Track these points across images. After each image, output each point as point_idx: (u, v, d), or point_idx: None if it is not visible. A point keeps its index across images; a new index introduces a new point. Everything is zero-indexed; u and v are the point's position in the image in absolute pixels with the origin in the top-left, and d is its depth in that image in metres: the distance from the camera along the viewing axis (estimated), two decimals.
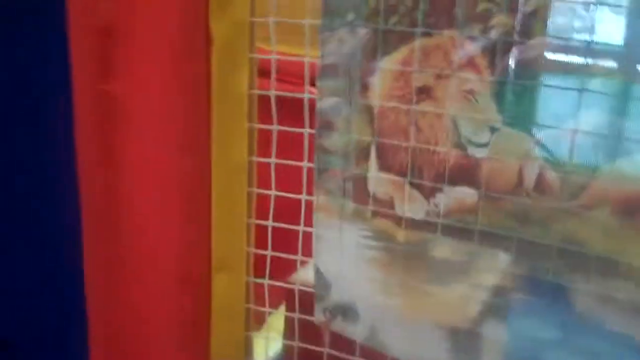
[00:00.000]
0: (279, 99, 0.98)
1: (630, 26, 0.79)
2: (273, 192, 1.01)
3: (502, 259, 0.90)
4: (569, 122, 0.81)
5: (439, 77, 0.86)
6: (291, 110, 0.98)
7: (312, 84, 0.95)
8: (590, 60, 0.78)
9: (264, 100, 0.99)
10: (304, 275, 1.07)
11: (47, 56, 1.03)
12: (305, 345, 1.07)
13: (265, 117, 1.00)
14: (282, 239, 1.05)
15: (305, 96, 0.94)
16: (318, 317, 1.04)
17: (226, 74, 0.97)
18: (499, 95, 0.85)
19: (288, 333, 1.12)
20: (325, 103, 0.92)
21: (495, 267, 0.91)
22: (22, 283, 1.19)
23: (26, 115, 1.07)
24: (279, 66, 0.97)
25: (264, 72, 0.99)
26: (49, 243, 1.15)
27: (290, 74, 0.97)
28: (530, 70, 0.83)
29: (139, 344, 1.12)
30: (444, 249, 0.93)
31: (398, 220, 0.94)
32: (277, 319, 1.17)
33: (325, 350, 1.04)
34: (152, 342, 1.11)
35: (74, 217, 1.09)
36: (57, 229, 1.14)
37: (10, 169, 1.12)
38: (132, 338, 1.13)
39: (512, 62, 0.83)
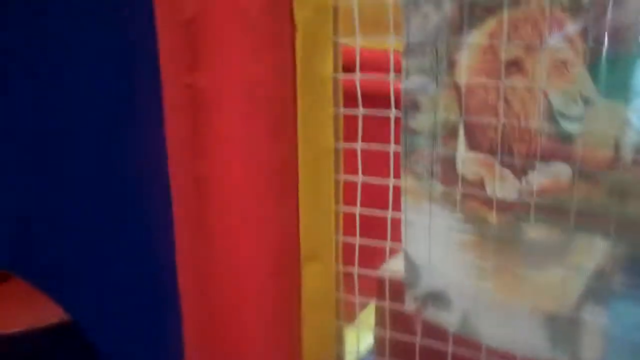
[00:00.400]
0: (363, 95, 0.98)
1: None
2: (360, 178, 1.00)
3: (601, 239, 0.86)
4: None
5: (529, 49, 0.83)
6: (375, 104, 0.97)
7: (397, 71, 0.94)
8: None
9: (348, 96, 0.99)
10: (394, 263, 1.05)
11: (135, 51, 1.05)
12: (397, 335, 1.05)
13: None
14: (373, 226, 1.04)
15: (391, 77, 0.92)
16: (409, 305, 1.02)
17: (310, 60, 0.97)
18: (593, 66, 0.81)
19: (379, 323, 1.10)
20: (411, 82, 0.91)
21: (594, 248, 0.87)
22: (114, 281, 1.22)
23: (117, 109, 1.10)
24: (362, 61, 0.96)
25: (347, 68, 0.99)
26: (141, 237, 1.17)
27: (374, 67, 0.96)
28: (627, 37, 0.79)
29: (232, 338, 1.13)
30: (538, 230, 0.89)
31: (489, 202, 0.91)
32: (368, 310, 1.15)
33: (417, 339, 1.02)
34: (245, 334, 1.11)
35: (165, 210, 1.11)
36: (148, 223, 1.16)
37: (101, 165, 1.15)
38: (225, 331, 1.13)
39: (607, 29, 0.79)
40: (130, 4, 1.03)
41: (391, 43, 0.92)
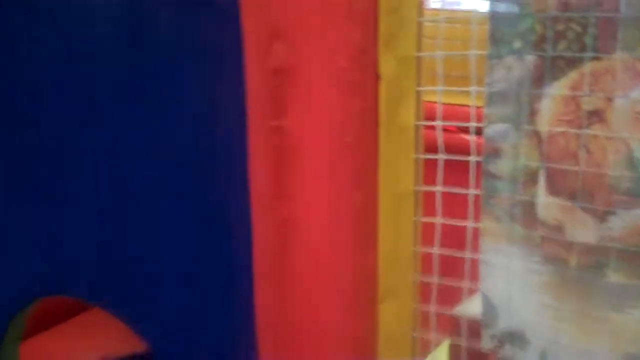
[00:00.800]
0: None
1: None
2: (439, 220, 1.04)
3: None
4: None
5: (609, 100, 0.87)
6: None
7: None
8: None
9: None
10: (471, 303, 1.08)
11: (225, 96, 1.11)
12: None
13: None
14: (449, 267, 1.08)
15: (472, 124, 0.97)
16: (486, 344, 1.05)
17: (393, 108, 1.01)
18: None
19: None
20: (493, 129, 0.95)
21: None
22: (195, 314, 1.27)
23: (205, 150, 1.15)
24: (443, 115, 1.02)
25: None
26: (222, 274, 1.22)
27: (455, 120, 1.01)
28: None
29: None
30: (618, 273, 0.92)
31: (569, 245, 0.94)
32: (441, 348, 1.18)
33: None
34: None
35: (247, 250, 1.16)
36: (229, 261, 1.21)
37: (185, 202, 1.21)
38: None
39: None
40: (222, 52, 1.09)
41: (473, 93, 0.96)
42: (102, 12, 1.19)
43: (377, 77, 1.01)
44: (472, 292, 1.07)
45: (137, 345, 1.91)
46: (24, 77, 1.23)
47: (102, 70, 1.21)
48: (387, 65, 1.00)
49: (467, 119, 1.01)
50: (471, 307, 1.08)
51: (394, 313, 1.10)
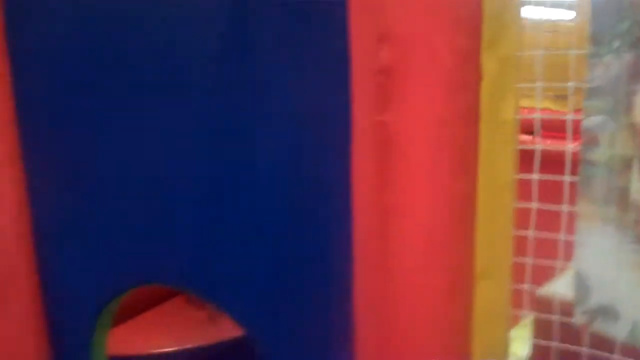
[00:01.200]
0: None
1: None
2: (535, 205, 1.14)
3: None
4: None
5: None
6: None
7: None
8: None
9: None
10: (557, 282, 1.19)
11: (330, 91, 1.21)
12: (560, 346, 1.18)
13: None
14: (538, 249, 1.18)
15: (569, 117, 1.07)
16: (578, 319, 1.15)
17: (494, 104, 1.12)
18: None
19: (538, 335, 1.23)
20: (591, 121, 1.06)
21: None
22: (291, 300, 1.36)
23: (307, 141, 1.25)
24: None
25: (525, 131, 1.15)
26: (320, 260, 1.31)
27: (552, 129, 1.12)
28: None
29: (407, 350, 1.25)
30: None
31: None
32: (524, 323, 1.28)
33: (585, 349, 1.15)
34: (419, 347, 1.24)
35: (346, 235, 1.25)
36: (328, 247, 1.29)
37: (285, 192, 1.30)
38: (399, 344, 1.26)
39: None
40: (328, 52, 1.19)
41: (570, 90, 1.07)
42: (207, 17, 1.29)
43: (479, 76, 1.11)
44: (556, 271, 1.18)
45: (219, 335, 2.00)
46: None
47: (209, 75, 1.31)
48: (489, 65, 1.10)
49: (553, 124, 1.12)
50: (558, 286, 1.19)
51: (490, 292, 1.19)
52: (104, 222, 1.58)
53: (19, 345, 1.81)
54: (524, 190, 1.18)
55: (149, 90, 1.42)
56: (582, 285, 1.14)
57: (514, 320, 1.23)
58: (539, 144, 1.13)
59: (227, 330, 1.94)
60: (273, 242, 1.35)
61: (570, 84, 1.07)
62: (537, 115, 1.16)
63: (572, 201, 1.12)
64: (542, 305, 1.21)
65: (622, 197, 1.06)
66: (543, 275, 1.27)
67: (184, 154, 1.40)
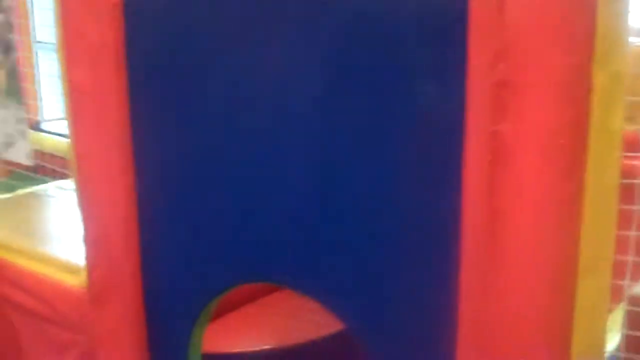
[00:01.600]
0: None
1: None
2: (637, 207, 1.24)
3: None
4: None
5: None
6: None
7: None
8: None
9: None
10: None
11: (446, 100, 1.32)
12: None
13: None
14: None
15: None
16: None
17: (603, 115, 1.22)
18: None
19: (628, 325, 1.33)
20: None
21: None
22: (395, 298, 1.46)
23: (422, 147, 1.36)
24: None
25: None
26: (424, 254, 1.41)
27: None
28: None
29: (508, 343, 1.35)
30: None
31: None
32: (616, 313, 1.38)
33: None
34: (523, 343, 1.33)
35: (454, 236, 1.35)
36: (436, 255, 1.39)
37: (393, 189, 1.40)
38: (502, 337, 1.35)
39: None
40: (446, 64, 1.30)
41: None
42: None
43: (589, 89, 1.21)
44: None
45: (313, 333, 2.09)
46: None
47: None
48: (600, 79, 1.20)
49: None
50: None
51: (591, 289, 1.29)
52: (211, 221, 1.67)
53: (120, 340, 1.91)
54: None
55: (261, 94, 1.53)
56: None
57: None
58: None
59: (322, 328, 2.04)
60: (382, 241, 1.45)
61: None
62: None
63: None
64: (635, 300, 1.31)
65: None
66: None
67: (296, 151, 1.50)
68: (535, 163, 1.26)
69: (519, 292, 1.32)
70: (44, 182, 2.94)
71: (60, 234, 2.36)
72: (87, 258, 1.94)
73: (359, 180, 1.43)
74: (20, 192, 2.71)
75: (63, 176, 2.95)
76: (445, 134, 1.33)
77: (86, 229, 1.91)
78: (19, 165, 2.96)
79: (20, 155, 2.55)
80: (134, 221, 1.80)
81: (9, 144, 2.55)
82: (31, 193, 2.73)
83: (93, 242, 1.91)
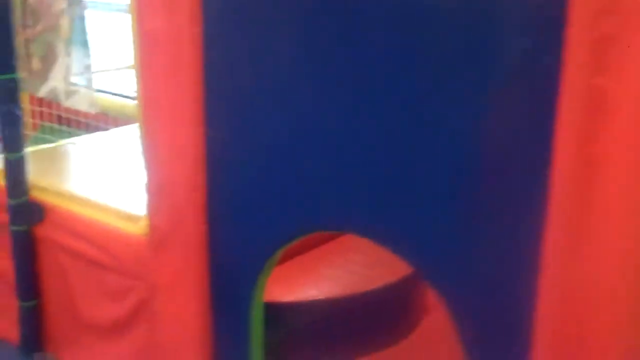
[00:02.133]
0: None
1: None
2: None
3: None
4: None
5: None
6: None
7: None
8: None
9: None
10: None
11: (543, 52, 1.34)
12: None
13: None
14: None
15: None
16: None
17: None
18: None
19: None
20: None
21: None
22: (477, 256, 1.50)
23: (513, 96, 1.39)
24: None
25: None
26: (509, 226, 1.44)
27: None
28: None
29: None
30: None
31: None
32: None
33: None
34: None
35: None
36: (521, 209, 1.41)
37: (484, 142, 1.43)
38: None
39: None
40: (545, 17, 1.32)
41: None
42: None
43: None
44: None
45: (364, 285, 2.12)
46: None
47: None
48: None
49: None
50: None
51: None
52: (285, 170, 1.69)
53: (180, 287, 1.92)
54: None
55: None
56: None
57: None
58: None
59: (373, 280, 2.08)
60: (466, 187, 1.48)
61: None
62: None
63: None
64: None
65: None
66: None
67: (378, 97, 1.53)
68: (631, 116, 1.29)
69: (609, 246, 1.33)
70: (76, 135, 2.93)
71: (110, 183, 2.38)
72: (150, 204, 1.96)
73: (445, 127, 1.45)
74: (62, 142, 2.72)
75: (94, 129, 2.95)
76: (540, 84, 1.36)
77: (150, 175, 1.92)
78: (49, 116, 2.95)
79: (84, 103, 2.54)
80: (201, 169, 1.82)
81: (71, 92, 2.54)
82: (70, 144, 2.74)
83: (157, 188, 1.93)
